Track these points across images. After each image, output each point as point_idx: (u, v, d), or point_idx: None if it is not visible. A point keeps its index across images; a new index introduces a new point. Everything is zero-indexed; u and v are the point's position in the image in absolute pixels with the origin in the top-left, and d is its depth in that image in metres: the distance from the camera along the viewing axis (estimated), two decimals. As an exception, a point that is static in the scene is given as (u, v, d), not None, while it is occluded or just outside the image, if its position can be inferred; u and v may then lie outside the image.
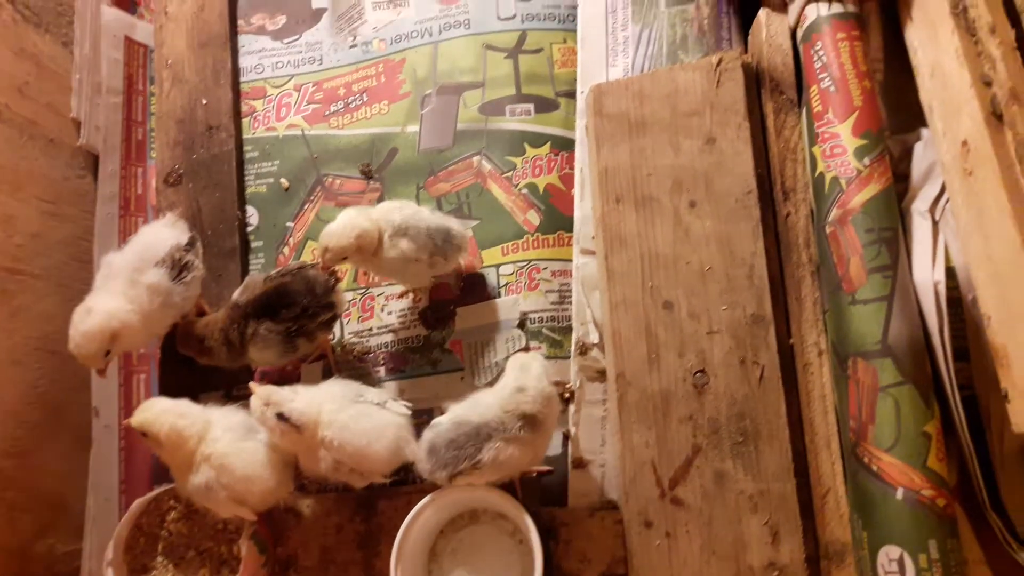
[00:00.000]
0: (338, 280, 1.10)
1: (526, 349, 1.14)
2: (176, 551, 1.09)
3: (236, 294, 1.10)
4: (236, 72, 1.35)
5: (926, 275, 0.90)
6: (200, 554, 1.08)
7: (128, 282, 1.05)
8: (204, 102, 1.32)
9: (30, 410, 1.12)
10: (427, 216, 1.09)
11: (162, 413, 1.00)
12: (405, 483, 1.13)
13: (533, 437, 0.95)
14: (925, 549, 0.82)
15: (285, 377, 1.19)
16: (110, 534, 1.08)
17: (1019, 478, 0.89)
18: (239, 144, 1.32)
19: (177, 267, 1.09)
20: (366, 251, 1.05)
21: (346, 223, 1.03)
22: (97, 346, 1.02)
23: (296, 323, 1.06)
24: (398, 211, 1.08)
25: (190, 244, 1.12)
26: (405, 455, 1.00)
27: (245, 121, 1.34)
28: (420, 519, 1.00)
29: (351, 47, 1.34)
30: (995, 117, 0.78)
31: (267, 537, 1.10)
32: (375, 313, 1.21)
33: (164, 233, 1.11)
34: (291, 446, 1.00)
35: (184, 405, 1.03)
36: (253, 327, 1.06)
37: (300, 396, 0.99)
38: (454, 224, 1.10)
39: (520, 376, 0.96)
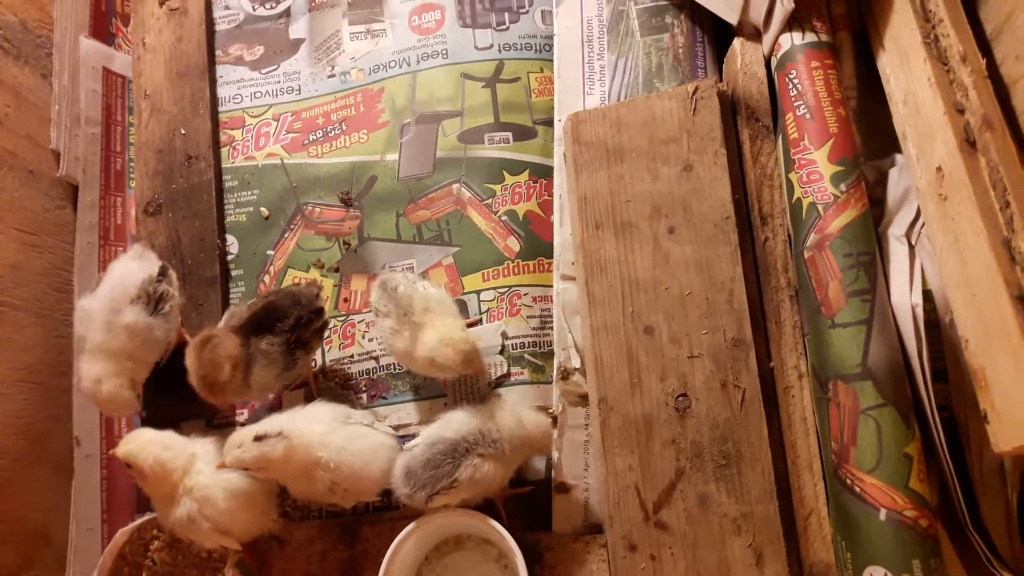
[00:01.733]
0: (320, 288, 1.12)
1: (507, 375, 1.15)
2: (159, 581, 1.08)
3: (221, 324, 1.09)
4: (215, 102, 1.35)
5: (904, 298, 0.92)
6: (184, 584, 1.07)
7: (106, 328, 1.05)
8: (183, 132, 1.32)
9: (12, 441, 1.11)
10: (375, 305, 1.08)
11: (147, 444, 1.00)
12: (388, 508, 1.13)
13: (506, 458, 0.98)
14: (909, 569, 0.83)
15: (270, 407, 1.19)
16: (93, 564, 1.07)
17: (998, 497, 0.90)
18: (218, 173, 1.32)
19: (153, 300, 1.08)
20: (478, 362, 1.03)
21: (455, 338, 1.01)
22: (125, 407, 1.07)
23: (293, 333, 1.05)
24: (391, 321, 1.06)
25: (162, 274, 1.11)
26: None
27: (224, 151, 1.34)
28: (405, 545, 1.00)
29: (329, 77, 1.35)
30: (968, 144, 0.80)
31: (252, 565, 1.09)
32: (355, 340, 1.21)
33: (133, 267, 1.10)
34: (278, 474, 1.00)
35: (169, 437, 1.02)
36: (254, 344, 1.04)
37: (275, 418, 1.00)
38: (376, 284, 1.10)
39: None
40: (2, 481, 1.08)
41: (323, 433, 0.99)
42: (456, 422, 0.99)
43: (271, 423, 0.98)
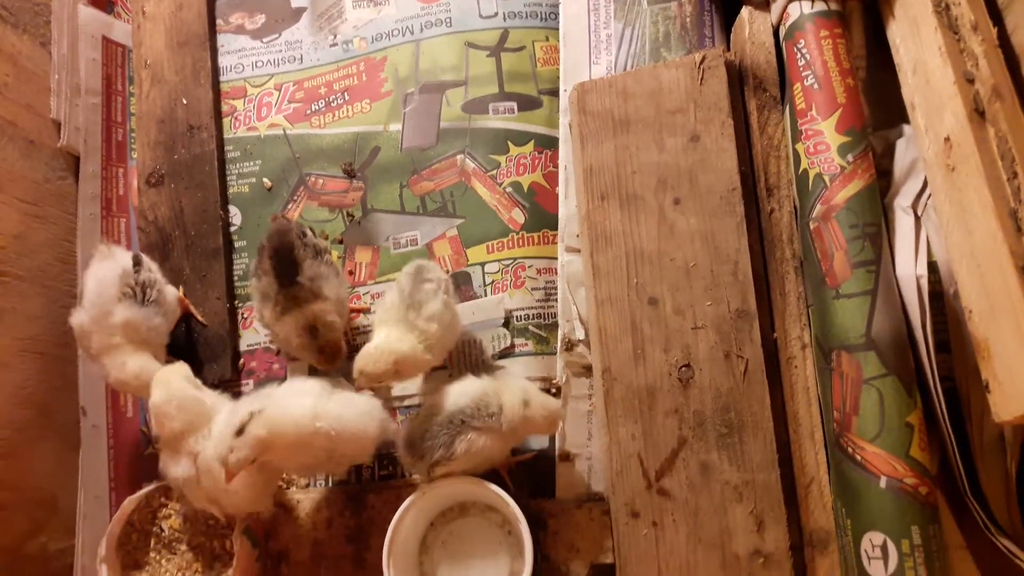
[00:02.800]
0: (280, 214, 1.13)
1: (512, 347, 1.16)
2: (169, 546, 1.09)
3: (258, 306, 1.10)
4: (216, 72, 1.35)
5: (909, 269, 0.92)
6: (193, 549, 1.08)
7: (106, 333, 1.06)
8: (184, 102, 1.31)
9: (18, 411, 1.11)
10: (399, 283, 1.07)
11: (180, 384, 1.03)
12: (394, 477, 1.14)
13: (505, 432, 0.98)
14: (908, 535, 0.84)
15: (272, 376, 1.20)
16: (102, 531, 1.08)
17: (998, 466, 0.91)
18: (220, 144, 1.31)
19: (138, 292, 1.08)
20: (406, 374, 1.05)
21: (384, 349, 1.02)
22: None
23: (308, 247, 1.08)
24: (394, 308, 1.06)
25: (136, 263, 1.11)
26: (389, 434, 1.03)
27: (226, 121, 1.33)
28: (410, 513, 1.01)
29: (331, 46, 1.34)
30: (978, 114, 0.80)
31: (259, 532, 1.10)
32: (361, 313, 1.21)
33: (105, 268, 1.10)
34: (278, 454, 1.00)
35: (194, 392, 1.04)
36: (303, 277, 1.05)
37: (250, 402, 0.99)
38: (415, 262, 1.09)
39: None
40: (9, 450, 1.09)
41: (314, 404, 0.98)
42: (455, 394, 0.99)
43: (237, 411, 0.96)
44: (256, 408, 0.94)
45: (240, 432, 0.92)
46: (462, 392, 0.99)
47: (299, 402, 0.98)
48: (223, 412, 1.02)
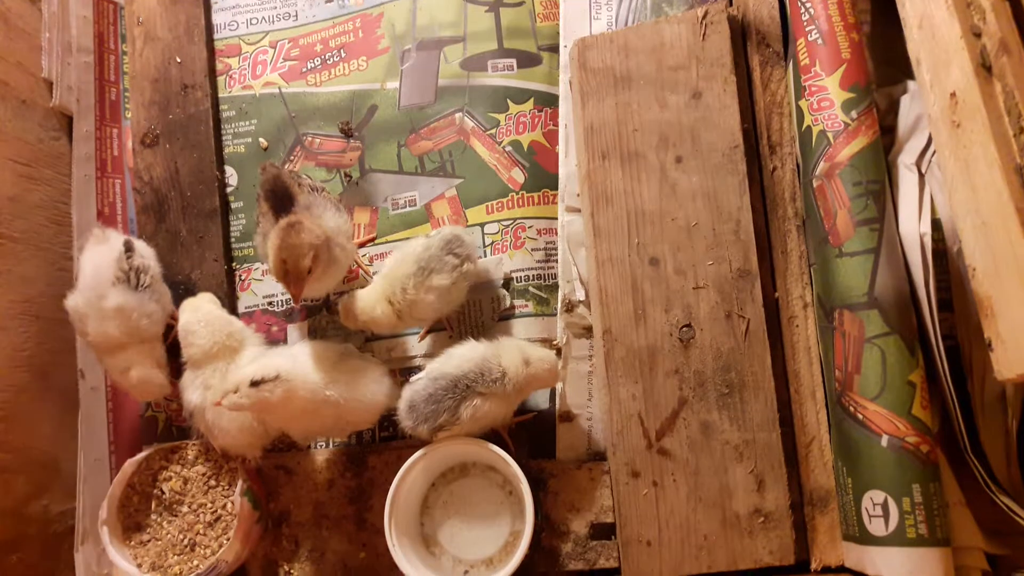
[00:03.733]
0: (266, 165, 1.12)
1: (512, 309, 1.15)
2: (170, 508, 1.09)
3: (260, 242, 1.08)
4: (210, 29, 1.32)
5: (912, 227, 0.91)
6: (194, 511, 1.08)
7: (99, 318, 1.05)
8: (178, 60, 1.28)
9: (17, 373, 1.11)
10: (429, 241, 1.07)
11: (209, 304, 1.10)
12: (395, 438, 1.14)
13: (508, 394, 0.98)
14: (909, 493, 0.84)
15: (271, 337, 1.19)
16: (103, 494, 1.08)
17: (998, 424, 0.91)
18: (215, 103, 1.29)
19: (132, 276, 1.07)
20: (378, 331, 1.11)
21: (358, 309, 1.06)
22: (158, 388, 1.10)
23: (303, 185, 1.08)
24: (403, 263, 1.06)
25: (128, 248, 1.09)
26: (395, 402, 1.02)
27: (221, 80, 1.31)
28: (411, 473, 1.02)
29: (327, 2, 1.31)
30: (984, 69, 0.78)
31: (260, 493, 1.11)
32: (359, 274, 1.20)
33: (101, 251, 1.08)
34: (276, 416, 1.01)
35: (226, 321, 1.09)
36: (299, 208, 1.03)
37: (273, 358, 1.00)
38: (452, 229, 1.09)
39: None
40: (8, 413, 1.09)
41: (328, 373, 0.99)
42: (458, 357, 0.99)
43: (268, 364, 0.96)
44: (283, 372, 0.94)
45: (255, 384, 0.93)
46: (465, 357, 0.99)
47: (313, 371, 0.98)
48: (250, 353, 1.07)
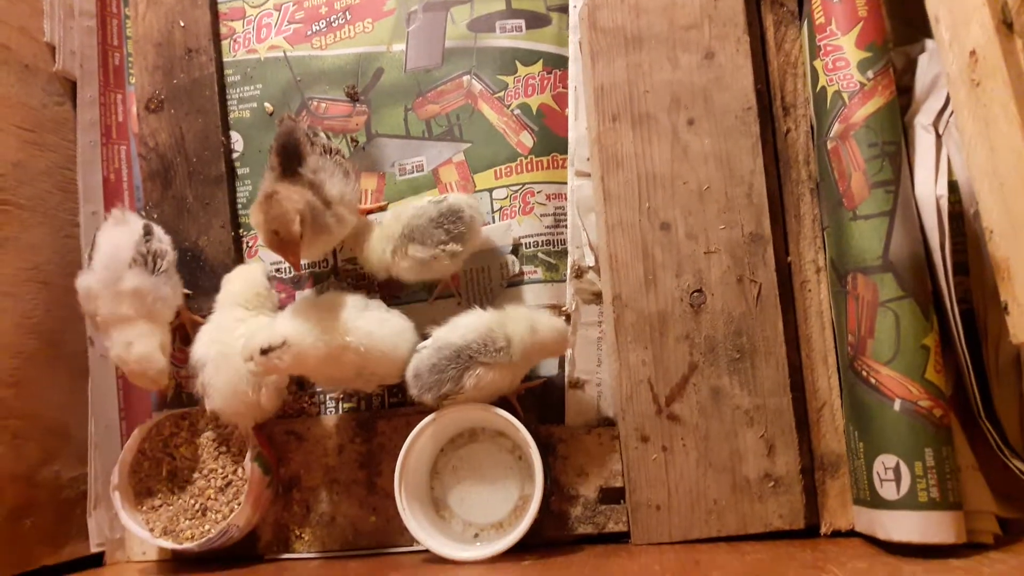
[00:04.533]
0: (284, 117, 1.12)
1: (520, 275, 1.14)
2: (180, 474, 1.10)
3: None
4: (214, -9, 1.30)
5: (928, 189, 0.90)
6: (204, 476, 1.09)
7: (113, 299, 1.05)
8: (182, 24, 1.27)
9: (25, 340, 1.11)
10: (427, 208, 1.05)
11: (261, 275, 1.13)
12: (404, 404, 1.14)
13: (513, 364, 0.98)
14: (921, 457, 0.84)
15: (281, 304, 1.19)
16: (114, 459, 1.09)
17: (1012, 388, 0.91)
18: (220, 68, 1.27)
19: (150, 260, 1.07)
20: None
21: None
22: (157, 372, 1.06)
23: (316, 145, 1.05)
24: (396, 221, 1.06)
25: (147, 232, 1.09)
26: None
27: (225, 44, 1.29)
28: (421, 439, 1.02)
29: (332, -38, 1.29)
30: (1005, 25, 0.76)
31: (270, 458, 1.11)
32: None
33: (120, 232, 1.08)
34: (298, 371, 1.02)
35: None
36: (306, 171, 1.01)
37: (284, 322, 0.99)
38: (459, 200, 1.06)
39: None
40: (18, 379, 1.09)
41: (348, 319, 0.99)
42: (463, 327, 0.99)
43: (276, 332, 0.95)
44: (290, 337, 0.94)
45: (265, 352, 0.93)
46: (469, 327, 0.98)
47: (326, 325, 0.98)
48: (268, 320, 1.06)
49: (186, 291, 1.15)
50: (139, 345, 1.04)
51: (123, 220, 1.10)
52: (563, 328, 1.02)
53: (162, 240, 1.12)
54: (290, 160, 1.02)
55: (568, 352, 1.11)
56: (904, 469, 0.84)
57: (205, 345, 1.04)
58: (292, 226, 0.94)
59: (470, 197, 1.10)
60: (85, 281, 1.06)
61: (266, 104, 1.25)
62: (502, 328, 0.98)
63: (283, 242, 0.95)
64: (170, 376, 1.13)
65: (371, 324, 1.01)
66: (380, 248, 1.06)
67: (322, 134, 1.11)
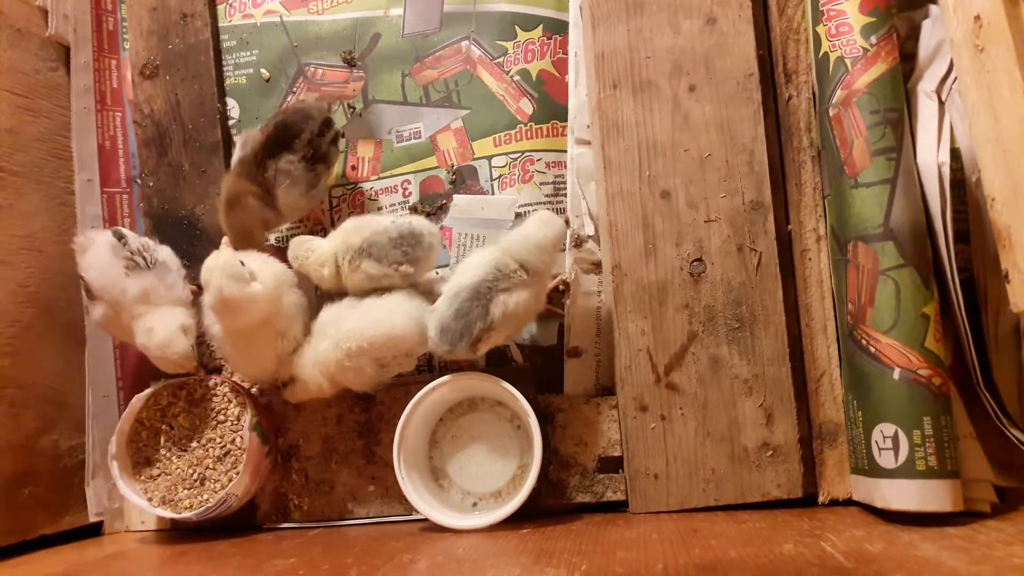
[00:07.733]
0: (329, 101, 1.14)
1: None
2: (179, 443, 1.10)
3: (236, 153, 1.09)
4: (208, -46, 1.28)
5: (930, 157, 0.89)
6: (203, 446, 1.09)
7: (131, 309, 1.05)
8: (176, -12, 1.25)
9: (21, 309, 1.10)
10: (390, 226, 1.04)
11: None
12: (402, 373, 1.13)
13: (531, 281, 0.97)
14: (920, 426, 0.84)
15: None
16: (111, 429, 1.09)
17: (1011, 358, 0.90)
18: (215, 33, 1.26)
19: (139, 259, 1.05)
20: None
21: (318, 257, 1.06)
22: (183, 355, 1.06)
23: (310, 146, 1.06)
24: (357, 232, 1.04)
25: (119, 237, 1.06)
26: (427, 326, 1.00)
27: (220, 8, 1.27)
28: (420, 408, 1.02)
29: (329, -74, 1.27)
30: (1012, -10, 0.75)
31: (269, 428, 1.11)
32: (364, 209, 1.19)
33: (95, 254, 1.06)
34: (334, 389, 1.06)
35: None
36: (272, 166, 1.05)
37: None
38: (422, 225, 1.05)
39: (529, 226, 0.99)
40: (14, 348, 1.08)
41: (335, 331, 1.02)
42: (472, 267, 0.98)
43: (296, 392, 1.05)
44: (296, 373, 1.04)
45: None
46: (478, 264, 0.97)
47: (324, 350, 1.01)
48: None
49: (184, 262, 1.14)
50: (159, 330, 1.03)
51: (89, 242, 1.07)
52: (560, 228, 1.00)
53: (137, 235, 1.10)
54: (269, 149, 1.05)
55: (566, 320, 1.11)
56: (902, 438, 0.84)
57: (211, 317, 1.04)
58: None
59: (433, 225, 1.08)
60: (100, 314, 1.06)
61: (263, 70, 1.24)
62: (506, 254, 0.97)
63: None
64: (201, 355, 1.13)
65: (357, 321, 1.00)
66: (323, 258, 1.05)
67: (336, 133, 1.12)
